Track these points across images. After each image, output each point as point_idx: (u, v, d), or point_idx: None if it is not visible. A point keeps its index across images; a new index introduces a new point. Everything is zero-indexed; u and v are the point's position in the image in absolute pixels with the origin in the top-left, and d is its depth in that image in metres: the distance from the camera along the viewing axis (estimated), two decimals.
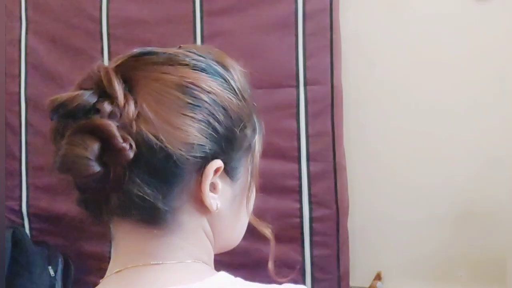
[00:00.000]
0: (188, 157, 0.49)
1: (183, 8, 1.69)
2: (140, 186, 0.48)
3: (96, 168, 0.46)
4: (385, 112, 1.64)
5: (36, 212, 1.88)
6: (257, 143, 0.59)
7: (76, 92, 0.48)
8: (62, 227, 1.79)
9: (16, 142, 1.89)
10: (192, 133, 0.49)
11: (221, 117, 0.52)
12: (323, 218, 1.62)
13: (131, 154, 0.47)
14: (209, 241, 0.56)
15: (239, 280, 0.53)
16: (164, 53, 0.53)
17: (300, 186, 1.62)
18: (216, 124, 0.51)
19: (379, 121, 1.65)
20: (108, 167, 0.47)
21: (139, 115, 0.48)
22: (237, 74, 0.56)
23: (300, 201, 1.62)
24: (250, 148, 0.57)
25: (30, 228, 1.89)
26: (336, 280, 1.63)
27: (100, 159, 0.46)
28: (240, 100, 0.55)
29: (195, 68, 0.52)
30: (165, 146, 0.48)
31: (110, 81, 0.48)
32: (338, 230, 1.62)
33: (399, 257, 1.66)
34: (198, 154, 0.50)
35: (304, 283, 1.62)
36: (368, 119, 1.66)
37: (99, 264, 1.80)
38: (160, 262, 0.51)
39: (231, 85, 0.54)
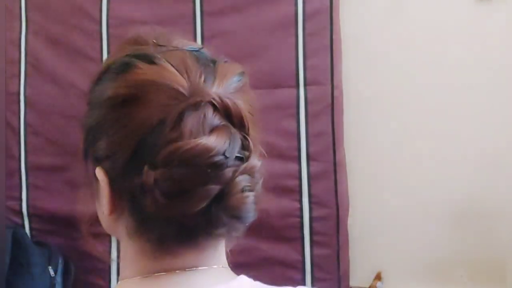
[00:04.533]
0: None
1: (183, 8, 1.69)
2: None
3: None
4: (385, 112, 1.64)
5: (36, 212, 1.88)
6: None
7: (221, 140, 0.48)
8: (62, 227, 1.79)
9: (16, 142, 1.88)
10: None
11: None
12: (323, 218, 1.62)
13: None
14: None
15: (258, 283, 0.55)
16: (241, 75, 0.54)
17: (300, 186, 1.62)
18: None
19: (379, 121, 1.65)
20: None
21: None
22: None
23: (300, 201, 1.62)
24: None
25: (30, 228, 1.88)
26: (336, 280, 1.63)
27: None
28: None
29: None
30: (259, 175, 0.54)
31: (245, 125, 0.50)
32: (338, 230, 1.62)
33: (399, 257, 1.66)
34: None
35: (304, 282, 1.62)
36: (368, 119, 1.66)
37: (99, 264, 1.80)
38: (194, 268, 0.52)
39: None
